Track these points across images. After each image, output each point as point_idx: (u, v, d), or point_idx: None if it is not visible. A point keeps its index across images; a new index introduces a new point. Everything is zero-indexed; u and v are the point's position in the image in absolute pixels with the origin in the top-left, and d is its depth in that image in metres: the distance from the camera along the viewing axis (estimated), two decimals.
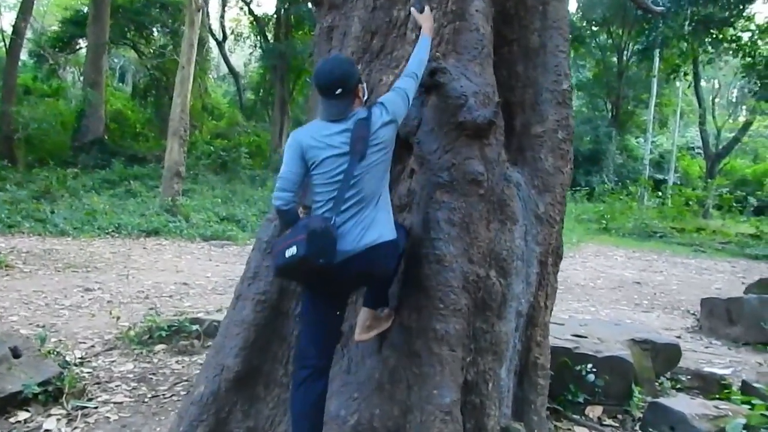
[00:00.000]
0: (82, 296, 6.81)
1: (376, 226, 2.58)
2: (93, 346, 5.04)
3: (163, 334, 5.04)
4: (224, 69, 32.96)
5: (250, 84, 31.49)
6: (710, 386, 4.36)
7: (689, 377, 4.38)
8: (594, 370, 3.70)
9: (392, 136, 2.66)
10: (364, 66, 3.25)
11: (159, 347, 4.95)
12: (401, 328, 2.81)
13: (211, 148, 19.82)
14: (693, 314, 7.60)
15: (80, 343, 5.12)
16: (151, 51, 23.24)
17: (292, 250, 2.42)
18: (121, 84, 31.36)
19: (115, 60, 29.24)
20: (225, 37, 29.00)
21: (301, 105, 27.67)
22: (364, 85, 2.80)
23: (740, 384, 4.24)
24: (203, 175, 18.07)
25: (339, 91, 2.56)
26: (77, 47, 23.28)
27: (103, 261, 9.02)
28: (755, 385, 4.05)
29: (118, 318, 5.46)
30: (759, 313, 6.22)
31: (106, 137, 19.83)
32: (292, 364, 3.05)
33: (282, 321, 3.11)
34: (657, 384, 4.14)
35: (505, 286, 2.97)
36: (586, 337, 4.08)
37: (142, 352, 4.83)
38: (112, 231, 11.66)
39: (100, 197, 14.40)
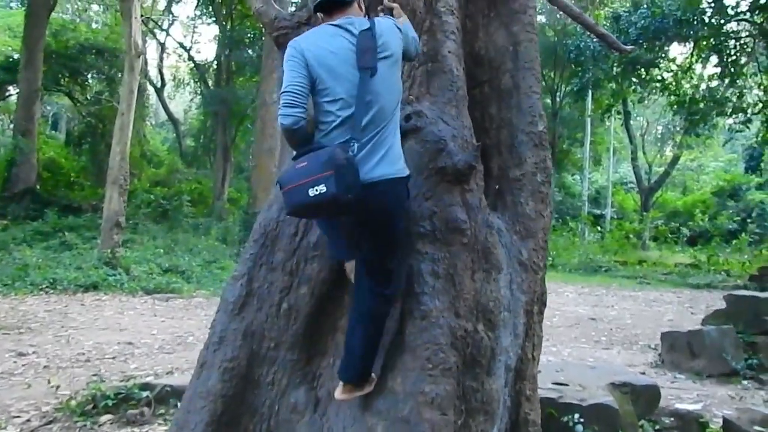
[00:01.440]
0: (15, 362, 6.23)
1: (393, 155, 2.37)
2: (29, 420, 4.53)
3: (109, 402, 4.57)
4: (163, 116, 32.36)
5: (190, 130, 30.97)
6: (689, 426, 4.29)
7: (671, 419, 4.29)
8: (581, 420, 3.56)
9: (400, 49, 2.45)
10: None
11: (105, 418, 4.48)
12: (386, 393, 2.58)
13: (151, 196, 19.16)
14: (653, 348, 7.62)
15: (14, 417, 4.59)
16: (87, 98, 22.53)
17: (319, 188, 2.12)
18: (54, 131, 30.25)
19: (48, 107, 28.24)
20: (164, 84, 28.53)
21: (243, 151, 27.33)
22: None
23: (721, 423, 4.16)
24: (143, 225, 17.38)
25: None
26: (7, 94, 22.36)
27: (38, 321, 8.38)
28: (736, 422, 3.98)
29: (57, 387, 4.98)
30: (720, 344, 6.27)
31: (39, 186, 18.91)
32: None
33: (252, 391, 2.82)
34: (639, 428, 4.02)
35: (493, 340, 2.79)
36: (567, 385, 3.94)
37: (85, 425, 4.37)
38: (47, 287, 10.92)
39: (33, 250, 13.56)
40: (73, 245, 14.48)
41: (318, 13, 2.61)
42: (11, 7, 28.42)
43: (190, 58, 26.86)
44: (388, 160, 2.35)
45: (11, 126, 22.34)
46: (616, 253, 20.30)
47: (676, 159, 29.40)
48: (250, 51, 23.75)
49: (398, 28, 2.50)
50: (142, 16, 15.35)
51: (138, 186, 20.25)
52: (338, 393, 2.56)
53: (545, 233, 3.15)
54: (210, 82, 25.73)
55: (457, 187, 2.77)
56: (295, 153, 2.40)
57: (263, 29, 23.25)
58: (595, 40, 15.95)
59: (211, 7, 24.96)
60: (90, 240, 14.86)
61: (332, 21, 2.43)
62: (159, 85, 28.00)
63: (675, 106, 17.65)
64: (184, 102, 32.06)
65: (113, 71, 21.20)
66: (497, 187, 3.15)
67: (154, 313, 9.53)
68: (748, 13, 13.77)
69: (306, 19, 3.24)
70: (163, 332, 7.97)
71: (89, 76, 22.91)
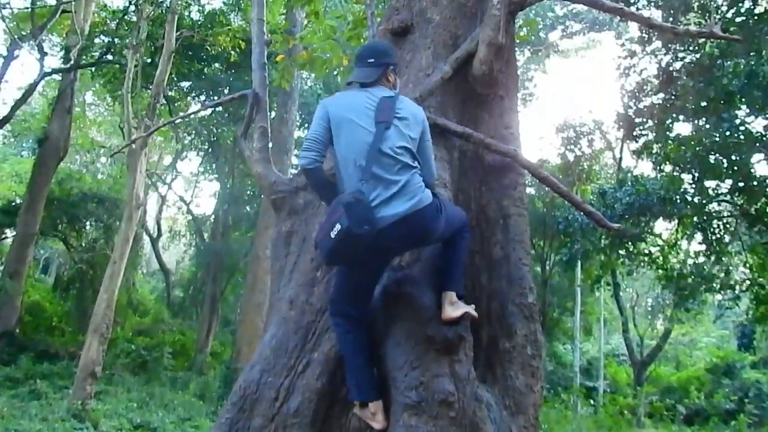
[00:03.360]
0: None
1: (411, 190, 2.62)
2: None
3: None
4: (155, 265, 32.48)
5: (180, 281, 30.94)
6: None
7: None
8: None
9: (418, 127, 2.79)
10: (323, 273, 3.11)
11: None
12: None
13: (132, 346, 18.65)
14: None
15: None
16: (81, 244, 22.74)
17: (336, 227, 2.47)
18: (43, 275, 30.17)
19: (42, 250, 28.41)
20: (160, 234, 28.98)
21: (232, 304, 27.12)
22: (397, 79, 2.99)
23: None
24: (120, 376, 16.72)
25: (371, 60, 2.79)
26: (4, 237, 22.59)
27: None
28: None
29: None
30: None
31: (18, 330, 18.43)
32: None
33: None
34: None
35: None
36: None
37: None
38: None
39: (0, 398, 12.91)
40: (44, 394, 13.80)
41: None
42: (22, 155, 29.64)
43: (189, 212, 27.54)
44: (399, 198, 2.61)
45: (1, 267, 22.33)
46: (610, 430, 19.41)
47: (667, 333, 29.19)
48: (247, 207, 24.43)
49: (424, 119, 2.89)
50: (147, 170, 15.98)
51: (120, 334, 19.79)
52: (445, 313, 2.77)
53: (536, 409, 3.02)
54: (206, 235, 26.14)
55: (445, 357, 2.71)
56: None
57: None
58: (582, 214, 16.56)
59: (214, 165, 26.07)
60: (62, 389, 14.20)
61: (360, 72, 2.88)
62: (155, 235, 28.42)
63: (663, 281, 17.87)
64: (177, 253, 32.34)
65: (111, 220, 21.60)
66: (487, 358, 3.08)
67: None
68: (729, 195, 14.40)
69: (303, 185, 3.36)
70: None
71: (87, 223, 23.33)
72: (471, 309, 2.83)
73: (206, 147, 25.17)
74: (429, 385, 2.61)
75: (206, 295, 24.06)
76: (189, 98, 22.30)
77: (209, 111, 23.81)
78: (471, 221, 3.46)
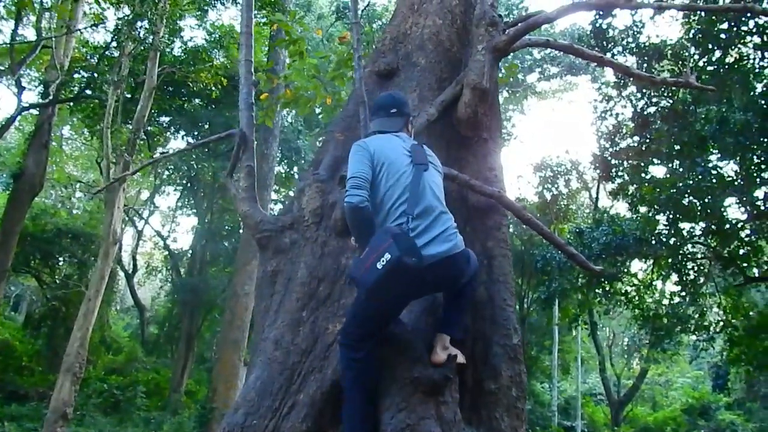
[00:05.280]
0: None
1: (452, 233, 2.72)
2: None
3: None
4: (129, 301, 31.91)
5: (155, 318, 30.39)
6: None
7: None
8: None
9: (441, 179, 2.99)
10: (309, 313, 3.10)
11: None
12: None
13: (105, 385, 18.18)
14: None
15: None
16: (55, 281, 22.29)
17: (384, 258, 2.47)
18: (14, 313, 29.41)
19: (12, 287, 27.75)
20: (135, 270, 28.55)
21: (208, 341, 26.65)
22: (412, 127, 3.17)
23: None
24: (91, 416, 16.24)
25: (394, 110, 2.94)
26: None
27: None
28: None
29: None
30: None
31: None
32: None
33: None
34: None
35: None
36: None
37: None
38: None
39: None
40: None
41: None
42: None
43: (166, 247, 27.21)
44: (442, 240, 2.67)
45: None
46: None
47: (644, 373, 29.29)
48: (225, 243, 24.24)
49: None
50: (125, 206, 15.82)
51: (92, 374, 19.31)
52: (434, 356, 2.81)
53: None
54: (182, 271, 25.82)
55: (432, 399, 2.69)
56: (355, 240, 2.83)
57: (241, 223, 23.86)
58: (560, 252, 16.72)
59: (192, 200, 25.92)
60: None
61: (385, 122, 3.03)
62: (130, 270, 27.99)
63: (639, 320, 17.99)
64: (153, 289, 31.83)
65: (86, 255, 21.26)
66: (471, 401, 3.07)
67: None
68: (703, 237, 14.65)
69: (289, 224, 3.37)
70: None
71: (61, 259, 22.91)
72: (460, 354, 2.85)
73: (185, 182, 25.04)
74: (415, 427, 2.60)
75: (182, 332, 23.64)
76: (168, 133, 22.27)
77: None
78: None
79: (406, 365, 2.70)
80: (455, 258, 2.70)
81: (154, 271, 29.46)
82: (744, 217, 13.84)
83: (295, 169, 23.20)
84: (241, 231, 23.88)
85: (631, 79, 13.54)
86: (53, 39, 13.84)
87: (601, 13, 12.55)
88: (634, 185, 15.23)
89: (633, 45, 13.09)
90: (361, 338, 2.74)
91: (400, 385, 2.68)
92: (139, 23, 13.10)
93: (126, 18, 12.94)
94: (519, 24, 3.74)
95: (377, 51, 4.23)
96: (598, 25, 12.79)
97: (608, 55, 12.26)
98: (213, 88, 15.96)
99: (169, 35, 16.05)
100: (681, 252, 15.58)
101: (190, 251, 26.10)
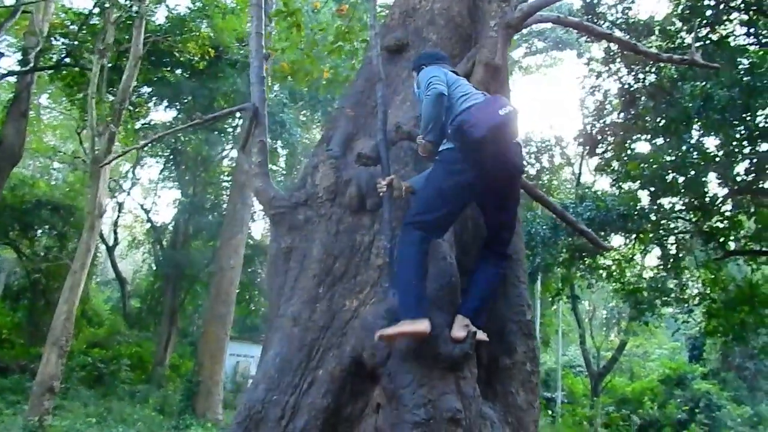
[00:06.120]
0: None
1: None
2: None
3: None
4: (110, 274, 31.61)
5: (136, 291, 30.17)
6: None
7: None
8: None
9: None
10: (326, 290, 3.10)
11: None
12: None
13: (88, 359, 18.09)
14: None
15: None
16: (35, 252, 21.98)
17: (507, 108, 3.02)
18: None
19: None
20: (116, 243, 28.24)
21: (190, 314, 26.59)
22: None
23: None
24: (75, 390, 16.18)
25: (439, 58, 3.56)
26: None
27: None
28: None
29: None
30: None
31: None
32: None
33: None
34: None
35: None
36: None
37: None
38: None
39: None
40: None
41: None
42: None
43: (149, 220, 26.93)
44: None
45: None
46: None
47: (623, 345, 29.85)
48: (210, 216, 24.05)
49: None
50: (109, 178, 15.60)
51: (75, 347, 19.19)
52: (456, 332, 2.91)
53: (536, 426, 3.08)
54: (165, 244, 25.61)
55: (451, 375, 2.73)
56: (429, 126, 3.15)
57: (225, 197, 23.54)
58: (544, 226, 16.88)
59: (175, 173, 25.60)
60: (14, 405, 13.68)
61: None
62: (111, 243, 27.68)
63: (620, 294, 18.29)
64: (134, 262, 31.55)
65: (66, 228, 20.97)
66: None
67: None
68: (684, 212, 14.87)
69: (303, 201, 3.35)
70: None
71: (40, 231, 22.57)
72: (480, 332, 2.88)
73: (168, 154, 24.69)
74: (436, 402, 2.63)
75: (165, 306, 23.54)
76: (150, 104, 21.88)
77: (170, 117, 23.45)
78: (468, 239, 3.51)
79: (427, 341, 2.73)
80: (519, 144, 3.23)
81: (137, 244, 29.17)
82: (725, 192, 14.07)
83: (279, 142, 22.99)
84: (224, 205, 23.74)
85: (618, 54, 13.60)
86: (33, 3, 13.46)
87: None
88: (619, 161, 15.36)
89: (622, 21, 13.10)
90: (430, 223, 2.99)
91: (421, 361, 2.71)
92: None
93: None
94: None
95: (386, 26, 4.18)
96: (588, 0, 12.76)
97: (596, 25, 12.24)
98: (199, 59, 15.66)
99: (154, 2, 15.69)
100: (663, 227, 15.82)
101: (173, 224, 25.87)
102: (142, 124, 21.52)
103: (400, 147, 3.40)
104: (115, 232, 28.57)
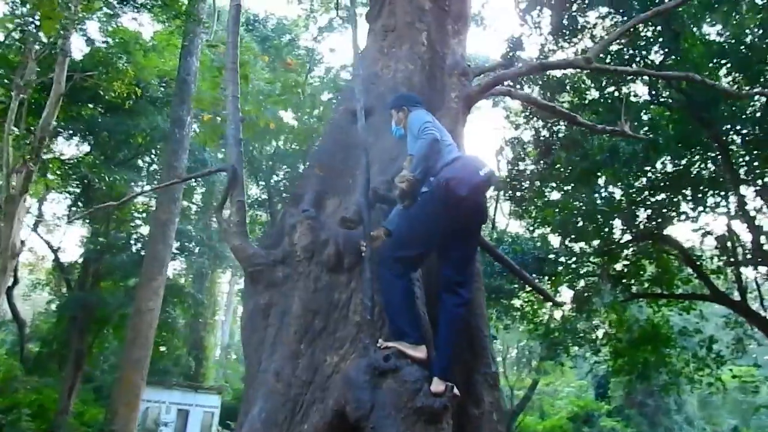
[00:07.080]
0: None
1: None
2: None
3: None
4: (7, 315, 29.48)
5: (36, 333, 28.27)
6: None
7: None
8: None
9: None
10: (306, 345, 3.23)
11: None
12: None
13: None
14: None
15: None
16: None
17: (486, 170, 3.37)
18: None
19: None
20: (16, 282, 26.48)
21: (97, 359, 25.20)
22: None
23: None
24: None
25: (418, 102, 3.89)
26: None
27: None
28: None
29: None
30: None
31: None
32: None
33: None
34: None
35: None
36: None
37: None
38: None
39: None
40: None
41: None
42: None
43: (56, 259, 25.50)
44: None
45: None
46: None
47: (535, 384, 30.76)
48: (123, 256, 23.10)
49: None
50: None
51: None
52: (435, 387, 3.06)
53: None
54: (72, 284, 24.29)
55: (432, 427, 2.91)
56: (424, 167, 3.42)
57: (142, 237, 22.68)
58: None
59: (83, 209, 24.45)
60: None
61: None
62: (10, 283, 25.92)
63: (534, 334, 19.03)
64: (33, 303, 29.63)
65: None
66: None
67: None
68: (593, 257, 15.82)
69: (281, 259, 3.49)
70: None
71: None
72: (455, 387, 3.11)
73: (77, 190, 23.63)
74: None
75: (71, 350, 22.21)
76: (61, 138, 21.04)
77: (82, 153, 22.61)
78: (431, 296, 3.74)
79: (409, 396, 2.90)
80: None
81: (41, 284, 27.47)
82: (629, 237, 15.13)
83: (200, 180, 22.63)
84: (138, 244, 22.91)
85: (535, 108, 14.53)
86: None
87: (511, 46, 13.40)
88: (535, 207, 16.22)
89: (538, 78, 14.05)
90: (409, 260, 3.35)
91: (404, 415, 2.88)
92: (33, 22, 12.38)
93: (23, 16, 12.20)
94: (490, 75, 4.08)
95: (348, 89, 4.42)
96: (509, 57, 13.60)
97: (517, 87, 13.09)
98: (125, 98, 15.30)
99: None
100: (574, 270, 16.72)
101: (81, 263, 24.60)
102: (53, 157, 20.66)
103: (379, 208, 3.61)
104: (16, 272, 26.82)
